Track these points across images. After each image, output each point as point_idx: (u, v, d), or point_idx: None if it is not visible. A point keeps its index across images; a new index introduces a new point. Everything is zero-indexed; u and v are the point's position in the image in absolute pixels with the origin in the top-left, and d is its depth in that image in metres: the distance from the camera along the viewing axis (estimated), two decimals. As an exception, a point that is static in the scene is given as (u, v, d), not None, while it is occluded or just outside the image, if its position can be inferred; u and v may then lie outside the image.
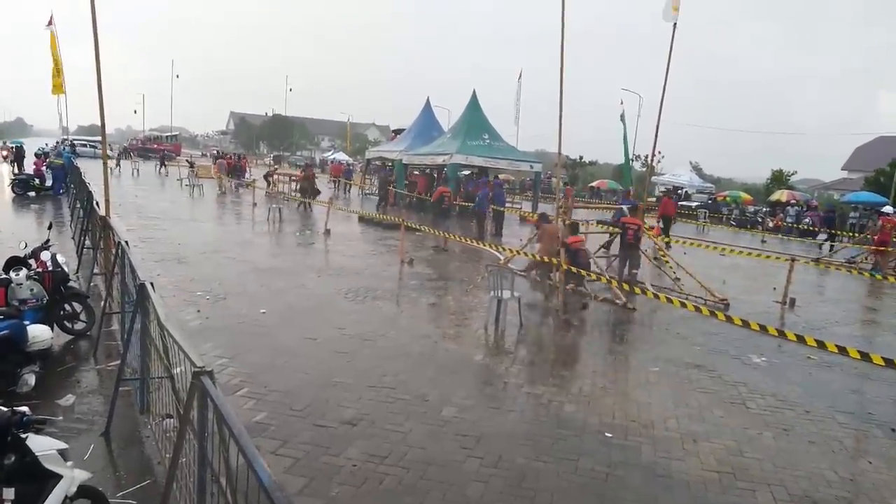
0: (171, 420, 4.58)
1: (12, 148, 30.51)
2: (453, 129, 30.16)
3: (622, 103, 23.66)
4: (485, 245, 14.86)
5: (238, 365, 6.62)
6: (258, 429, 5.14)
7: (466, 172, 24.79)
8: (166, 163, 39.32)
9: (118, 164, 38.14)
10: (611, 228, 15.59)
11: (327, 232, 17.50)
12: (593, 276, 11.57)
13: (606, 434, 5.69)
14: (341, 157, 58.50)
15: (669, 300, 9.08)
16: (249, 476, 2.18)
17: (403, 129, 36.71)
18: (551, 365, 7.68)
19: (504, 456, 5.11)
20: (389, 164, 34.26)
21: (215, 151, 54.19)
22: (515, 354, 7.94)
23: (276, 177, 30.73)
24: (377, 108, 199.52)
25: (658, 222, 22.06)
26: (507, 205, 25.03)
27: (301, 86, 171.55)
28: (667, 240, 19.24)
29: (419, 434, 5.39)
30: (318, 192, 24.90)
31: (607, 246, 15.49)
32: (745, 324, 7.50)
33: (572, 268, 10.01)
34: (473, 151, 26.63)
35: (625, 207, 15.85)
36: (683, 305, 8.66)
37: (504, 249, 13.30)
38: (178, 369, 3.89)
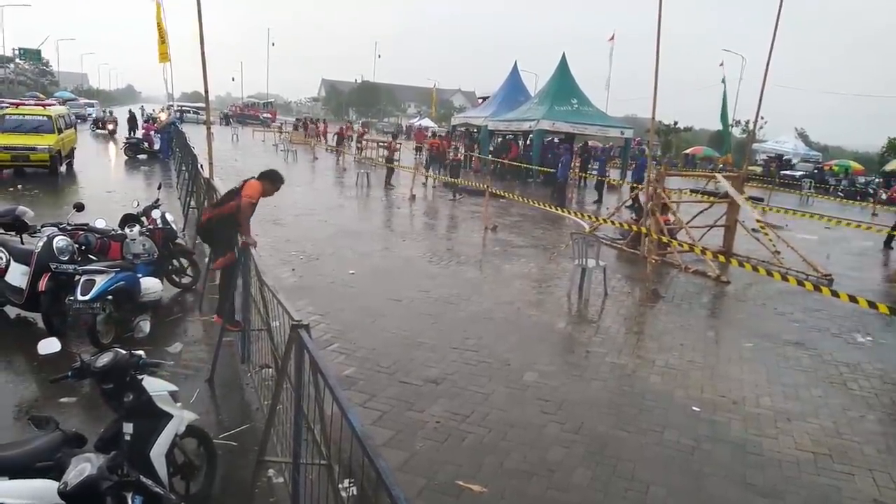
0: (269, 369, 4.88)
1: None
2: (541, 94, 29.38)
3: (722, 65, 22.33)
4: (568, 212, 14.58)
5: (329, 322, 6.92)
6: (347, 382, 5.37)
7: (550, 139, 24.20)
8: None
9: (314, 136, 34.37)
10: (702, 196, 14.93)
11: (412, 197, 17.73)
12: (685, 247, 11.14)
13: (694, 408, 5.55)
14: (427, 123, 58.68)
15: (769, 273, 8.59)
16: (342, 425, 2.30)
17: (489, 96, 36.24)
18: (636, 336, 7.52)
19: (586, 423, 5.10)
20: (475, 130, 34.04)
21: (298, 119, 54.84)
22: (599, 324, 7.83)
23: (364, 142, 31.24)
24: (463, 74, 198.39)
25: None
26: (591, 172, 24.38)
27: (389, 52, 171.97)
28: None
29: (501, 396, 5.46)
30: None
31: None
32: (853, 299, 6.98)
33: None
34: (561, 117, 25.93)
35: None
36: (784, 279, 8.16)
37: (589, 218, 13.01)
38: (276, 323, 4.13)
